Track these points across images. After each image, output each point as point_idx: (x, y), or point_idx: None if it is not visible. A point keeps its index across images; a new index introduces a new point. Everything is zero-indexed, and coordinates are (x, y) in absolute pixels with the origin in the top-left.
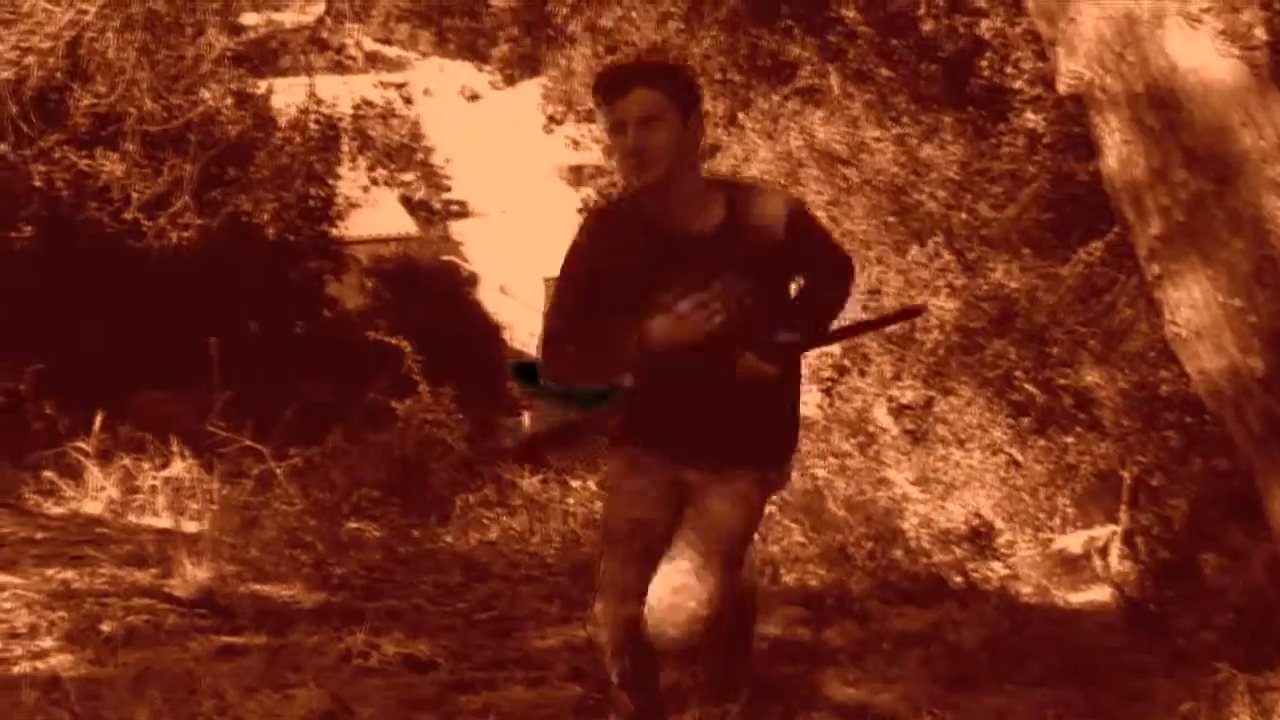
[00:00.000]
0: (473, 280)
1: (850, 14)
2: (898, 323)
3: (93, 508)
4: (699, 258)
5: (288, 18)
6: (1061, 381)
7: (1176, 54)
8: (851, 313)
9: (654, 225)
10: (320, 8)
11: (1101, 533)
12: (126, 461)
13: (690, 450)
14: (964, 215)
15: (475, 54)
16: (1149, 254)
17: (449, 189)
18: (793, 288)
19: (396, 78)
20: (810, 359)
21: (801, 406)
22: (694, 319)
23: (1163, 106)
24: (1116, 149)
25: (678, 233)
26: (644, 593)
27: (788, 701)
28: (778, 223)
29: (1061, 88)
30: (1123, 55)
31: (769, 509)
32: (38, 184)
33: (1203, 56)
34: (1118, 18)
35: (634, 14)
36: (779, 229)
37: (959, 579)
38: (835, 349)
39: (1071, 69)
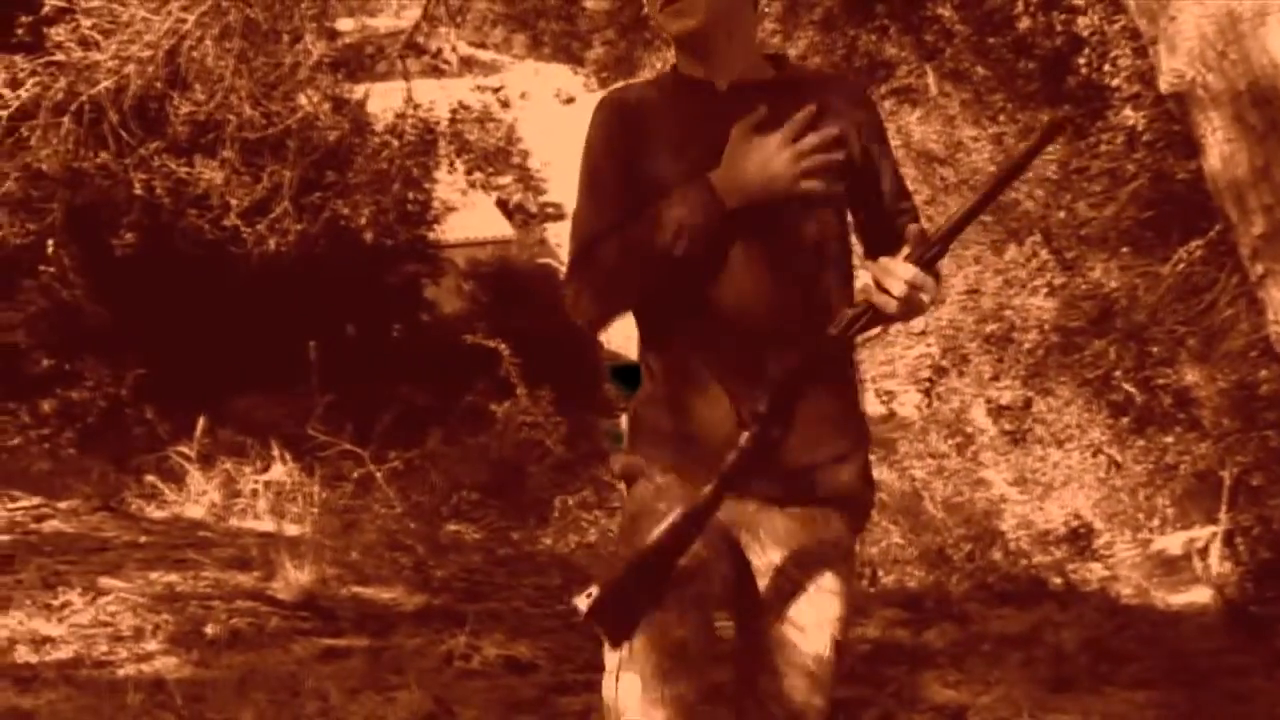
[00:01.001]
0: None
1: (946, 12)
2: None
3: (195, 511)
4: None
5: (383, 23)
6: (1161, 381)
7: (1279, 51)
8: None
9: (689, 84)
10: (416, 12)
11: (1201, 533)
12: (228, 465)
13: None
14: (1062, 214)
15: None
16: (1252, 253)
17: (545, 192)
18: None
19: (492, 81)
20: (908, 359)
21: (879, 407)
22: (782, 158)
23: (1265, 105)
24: (1218, 148)
25: (720, 89)
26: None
27: (887, 704)
28: (839, 104)
29: (1163, 86)
30: (1224, 53)
31: None
32: (138, 192)
33: None
34: (1219, 15)
35: None
36: (847, 121)
37: (1058, 580)
38: (935, 349)
39: (1173, 67)
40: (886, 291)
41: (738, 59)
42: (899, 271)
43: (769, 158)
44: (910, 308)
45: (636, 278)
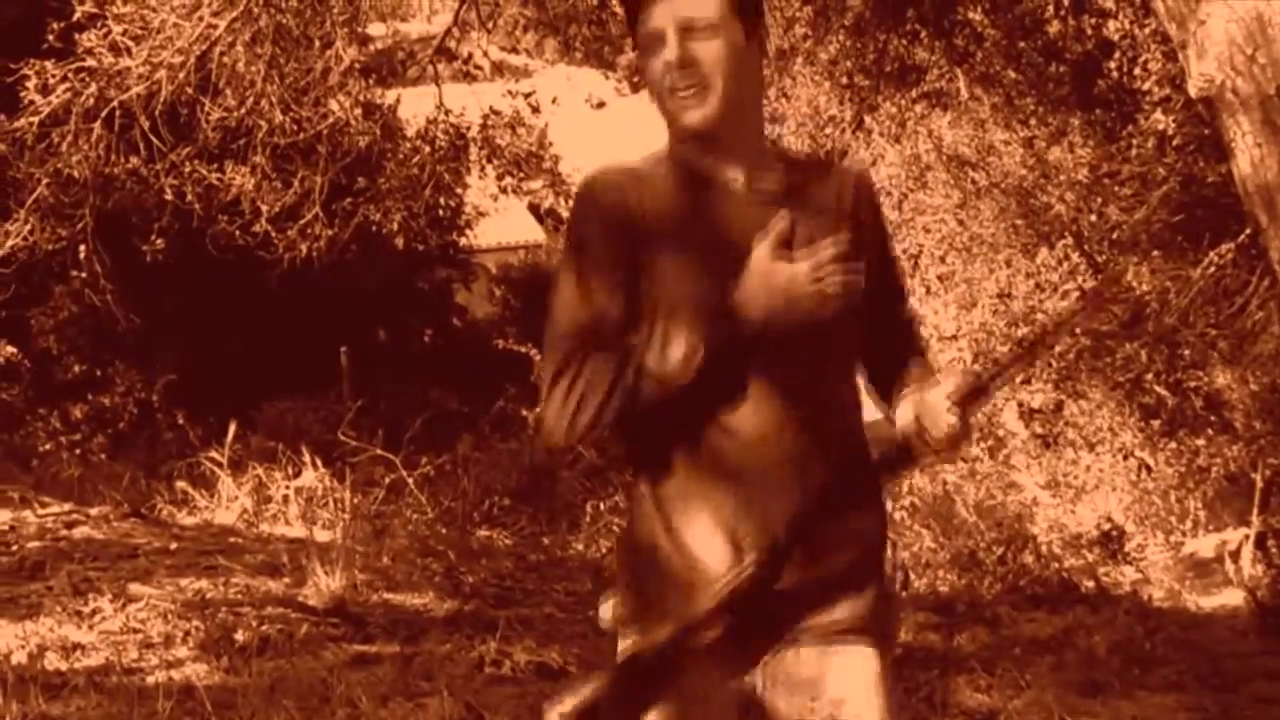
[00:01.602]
0: None
1: (977, 16)
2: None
3: (225, 517)
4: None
5: (414, 28)
6: (1192, 384)
7: None
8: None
9: (699, 179)
10: (447, 18)
11: (1233, 536)
12: (259, 471)
13: (779, 596)
14: (1093, 218)
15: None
16: None
17: None
18: None
19: (524, 86)
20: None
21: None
22: (808, 280)
23: None
24: (1248, 151)
25: (737, 192)
26: None
27: (919, 708)
28: (844, 201)
29: (1192, 90)
30: (1254, 57)
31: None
32: (169, 198)
33: None
34: (1248, 20)
35: None
36: (845, 207)
37: (1090, 583)
38: (966, 352)
39: (1202, 72)
40: (925, 433)
41: (749, 149)
42: (944, 420)
43: (795, 280)
44: (948, 457)
45: (635, 406)
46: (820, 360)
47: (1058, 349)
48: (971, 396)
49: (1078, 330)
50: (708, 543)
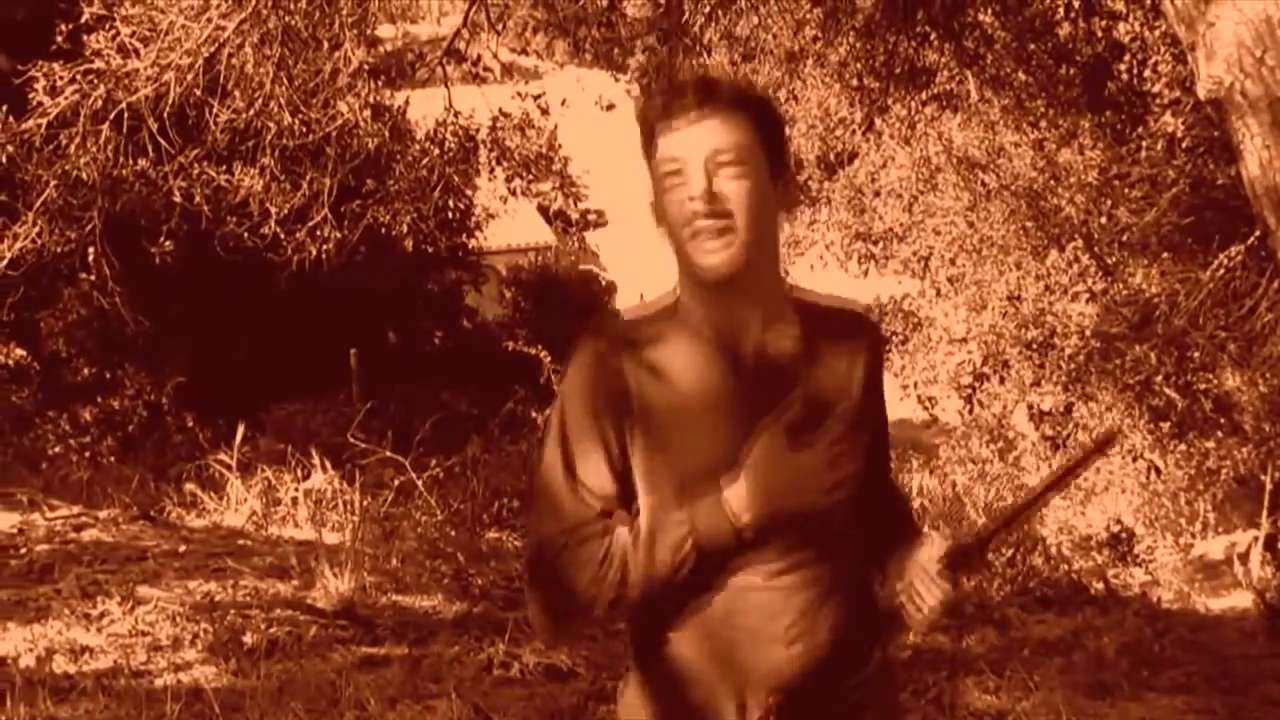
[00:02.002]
0: (611, 289)
1: (987, 19)
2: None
3: (234, 520)
4: (775, 396)
5: (424, 30)
6: (1201, 386)
7: None
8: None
9: (708, 339)
10: (457, 19)
11: (1242, 538)
12: (268, 473)
13: None
14: (1103, 220)
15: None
16: None
17: (586, 198)
18: None
19: (534, 88)
20: (950, 364)
21: (921, 413)
22: (814, 475)
23: None
24: (1257, 153)
25: (749, 355)
26: None
27: (927, 710)
28: (855, 366)
29: (1201, 92)
30: (1262, 59)
31: None
32: (177, 200)
33: None
34: (1257, 22)
35: (770, 21)
36: (856, 374)
37: (1099, 585)
38: (976, 354)
39: (1211, 73)
40: (917, 597)
41: (766, 297)
42: (937, 588)
43: (801, 472)
44: (938, 623)
45: (621, 602)
46: (823, 525)
47: (1068, 351)
48: (964, 562)
49: (1088, 334)
50: (712, 701)
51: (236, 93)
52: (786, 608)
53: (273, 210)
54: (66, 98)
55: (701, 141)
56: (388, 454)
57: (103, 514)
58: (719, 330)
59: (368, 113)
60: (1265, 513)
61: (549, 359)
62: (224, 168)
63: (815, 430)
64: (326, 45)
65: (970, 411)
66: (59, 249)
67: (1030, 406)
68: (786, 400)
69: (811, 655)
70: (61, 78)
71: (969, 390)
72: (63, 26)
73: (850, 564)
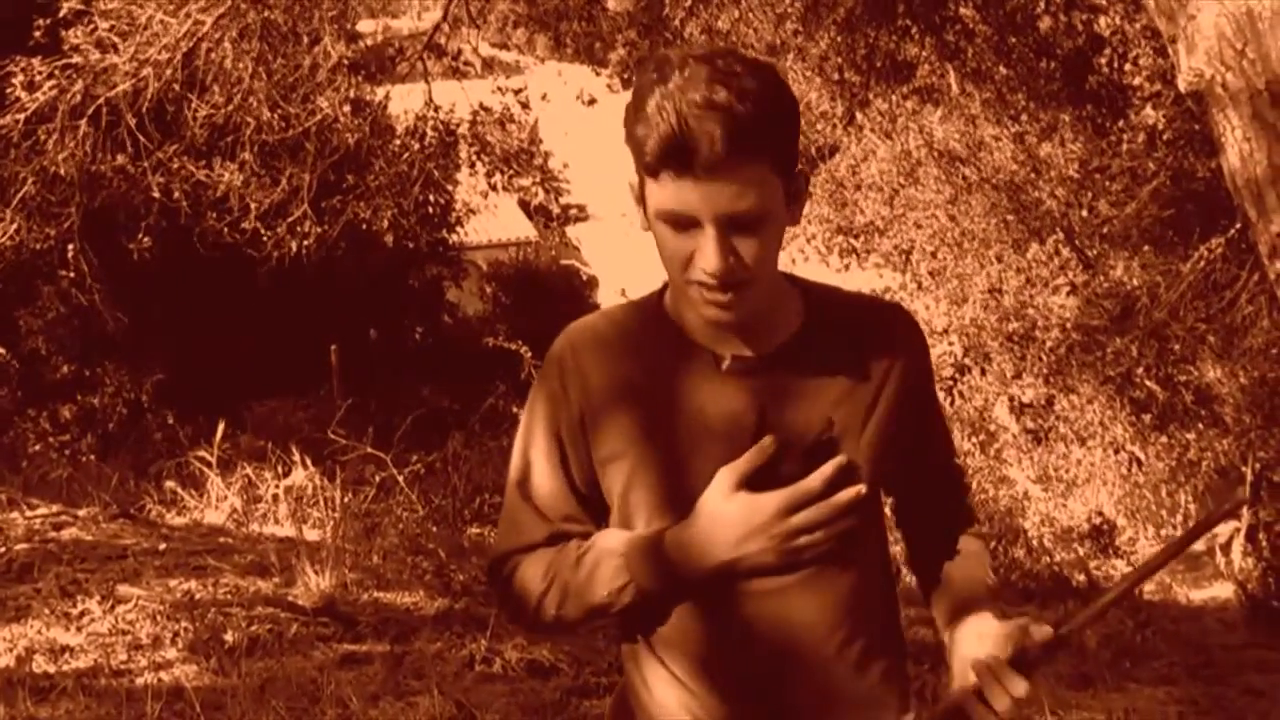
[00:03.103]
0: (592, 284)
1: (968, 12)
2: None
3: (215, 517)
4: (762, 411)
5: (404, 24)
6: (1182, 378)
7: None
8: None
9: (695, 348)
10: (437, 14)
11: (1223, 529)
12: (248, 470)
13: None
14: (1084, 213)
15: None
16: (1271, 250)
17: (568, 193)
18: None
19: (514, 83)
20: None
21: None
22: (765, 535)
23: None
24: (1237, 146)
25: (734, 364)
26: None
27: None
28: (877, 371)
29: (1182, 85)
30: (1243, 52)
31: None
32: (156, 195)
33: None
34: (1238, 15)
35: (751, 15)
36: (881, 380)
37: (1081, 577)
38: (957, 347)
39: (1192, 66)
40: (986, 703)
41: (763, 306)
42: (1012, 686)
43: (749, 531)
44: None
45: (563, 623)
46: (827, 559)
47: (1049, 344)
48: (1043, 658)
49: (1069, 326)
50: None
51: (215, 88)
52: (794, 654)
53: (252, 206)
54: (45, 93)
55: (721, 204)
56: (369, 450)
57: (82, 512)
58: (704, 336)
59: (347, 108)
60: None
61: (530, 354)
62: (203, 163)
63: (803, 454)
64: (306, 40)
65: (952, 404)
66: (37, 246)
67: (1011, 399)
68: (759, 444)
69: (817, 686)
70: (40, 73)
71: (950, 383)
72: (41, 22)
73: (874, 601)
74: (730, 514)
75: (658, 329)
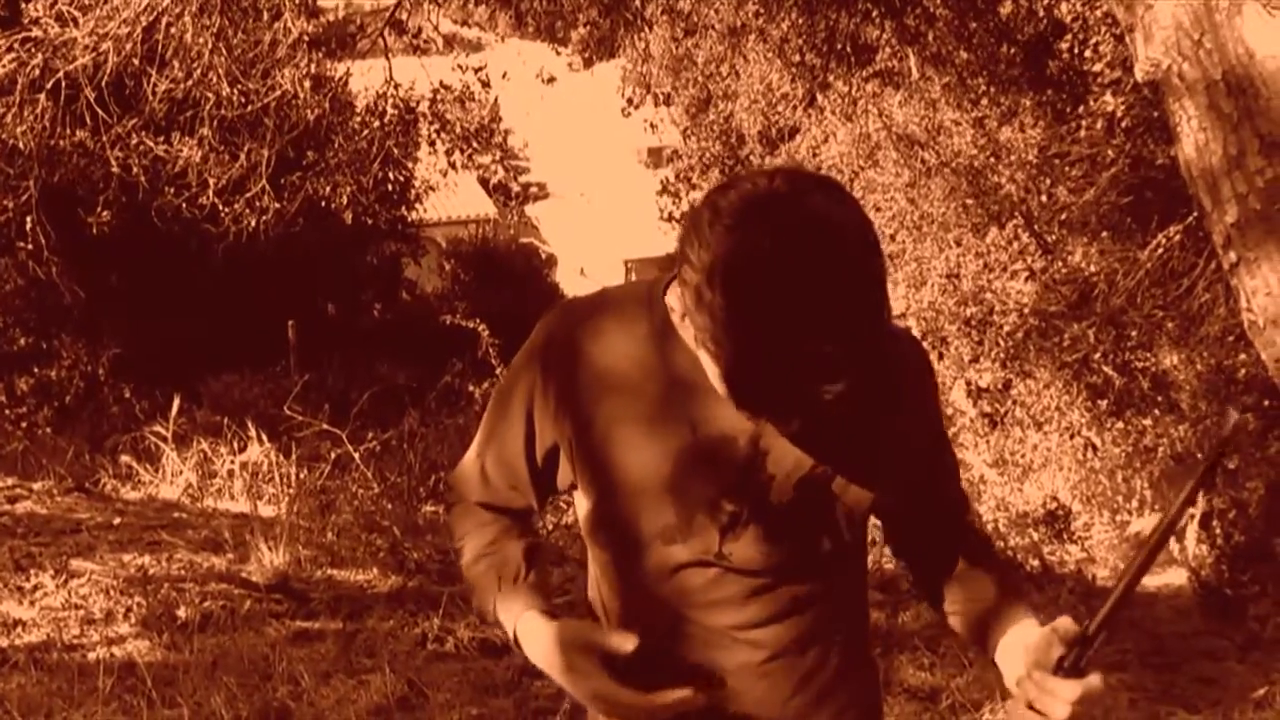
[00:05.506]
0: (551, 262)
1: None
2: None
3: (170, 492)
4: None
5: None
6: (1139, 365)
7: (1254, 41)
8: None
9: (673, 341)
10: None
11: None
12: (204, 445)
13: None
14: (1042, 198)
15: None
16: (1225, 241)
17: (527, 171)
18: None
19: (475, 60)
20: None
21: None
22: (572, 674)
23: (1240, 93)
24: (1193, 136)
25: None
26: None
27: None
28: (897, 393)
29: (1139, 74)
30: (1200, 42)
31: None
32: (115, 170)
33: None
34: (1195, 5)
35: None
36: (898, 407)
37: (1035, 562)
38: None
39: (1149, 56)
40: (1042, 715)
41: None
42: (1063, 692)
43: (571, 684)
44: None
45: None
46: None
47: (1007, 329)
48: (1084, 654)
49: (1027, 312)
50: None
51: (175, 63)
52: (767, 672)
53: (211, 181)
54: (4, 66)
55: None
56: (324, 427)
57: (37, 486)
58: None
59: (308, 84)
60: (1201, 491)
61: (488, 332)
62: (162, 138)
63: (795, 487)
64: (266, 15)
65: None
66: None
67: (969, 383)
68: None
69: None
70: None
71: None
72: None
73: (851, 621)
74: (563, 665)
75: (661, 327)
